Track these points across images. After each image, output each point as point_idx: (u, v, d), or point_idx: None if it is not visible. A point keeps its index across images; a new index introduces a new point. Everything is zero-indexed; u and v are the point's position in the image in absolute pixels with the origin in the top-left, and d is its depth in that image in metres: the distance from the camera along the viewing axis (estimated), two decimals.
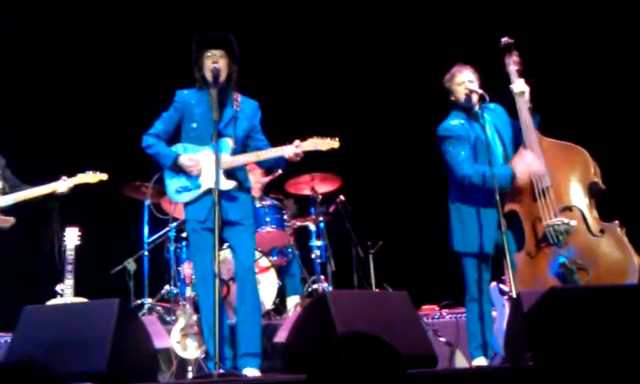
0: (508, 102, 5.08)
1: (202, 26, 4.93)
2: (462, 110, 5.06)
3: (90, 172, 5.59)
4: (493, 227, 4.85)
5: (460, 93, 5.03)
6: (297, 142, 4.77)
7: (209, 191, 4.65)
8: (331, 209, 7.35)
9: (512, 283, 4.49)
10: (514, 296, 4.34)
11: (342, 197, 7.37)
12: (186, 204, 4.80)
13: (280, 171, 7.01)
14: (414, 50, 8.26)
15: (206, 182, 4.69)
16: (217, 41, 4.80)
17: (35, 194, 5.34)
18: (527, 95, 5.00)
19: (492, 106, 5.11)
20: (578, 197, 4.79)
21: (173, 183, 4.80)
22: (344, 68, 8.51)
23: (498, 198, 4.63)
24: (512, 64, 5.11)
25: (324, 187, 7.41)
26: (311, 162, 7.03)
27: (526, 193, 4.86)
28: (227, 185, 4.71)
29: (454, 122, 5.03)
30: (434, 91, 5.23)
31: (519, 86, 5.03)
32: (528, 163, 4.80)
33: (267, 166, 5.30)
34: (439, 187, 5.27)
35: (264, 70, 7.81)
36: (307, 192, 7.37)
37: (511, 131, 5.09)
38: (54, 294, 5.84)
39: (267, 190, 7.27)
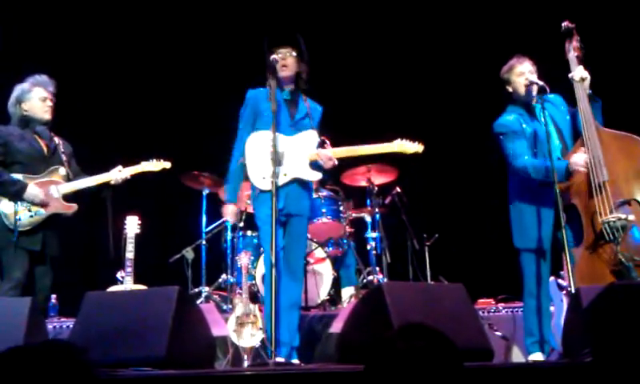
0: (567, 89, 4.96)
1: (270, 23, 4.97)
2: (520, 103, 4.98)
3: (154, 160, 5.60)
4: (550, 223, 4.79)
5: (519, 84, 4.93)
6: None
7: (293, 180, 4.79)
8: (387, 200, 7.35)
9: (571, 278, 4.42)
10: (573, 291, 4.27)
11: (398, 188, 7.36)
12: (265, 191, 4.75)
13: (336, 162, 7.02)
14: (471, 42, 8.17)
15: (291, 170, 4.78)
16: (284, 38, 4.87)
17: (91, 183, 5.38)
18: (587, 83, 4.85)
19: (551, 97, 5.00)
20: (638, 190, 4.69)
21: (258, 170, 4.81)
22: (399, 61, 8.47)
23: (557, 191, 4.55)
24: (572, 50, 4.95)
25: (380, 179, 7.41)
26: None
27: (583, 187, 4.75)
28: (313, 175, 4.87)
29: (510, 117, 4.96)
30: (492, 83, 5.16)
31: (579, 73, 4.86)
32: (584, 160, 4.69)
33: None
34: (494, 169, 5.21)
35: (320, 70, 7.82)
36: (363, 183, 7.37)
37: (570, 122, 4.99)
38: (115, 281, 5.97)
39: (323, 181, 7.30)
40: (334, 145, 4.94)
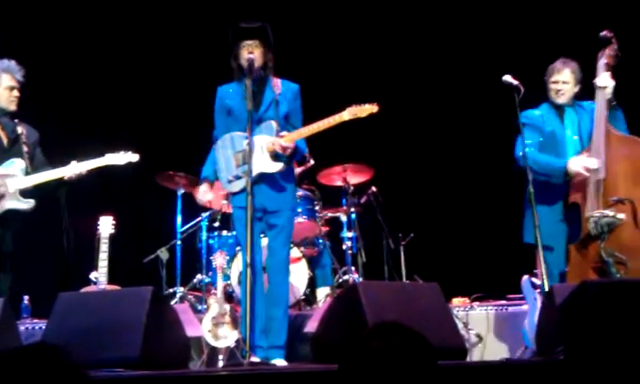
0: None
1: (239, 14, 4.90)
2: (552, 103, 5.20)
3: (121, 152, 5.30)
4: (558, 219, 4.97)
5: (549, 89, 5.21)
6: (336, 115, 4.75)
7: (260, 177, 4.67)
8: (363, 200, 7.35)
9: (544, 277, 4.46)
10: (546, 289, 4.31)
11: (373, 188, 7.36)
12: (236, 193, 4.77)
13: (312, 162, 7.02)
14: (443, 39, 8.19)
15: (257, 167, 4.65)
16: (251, 31, 4.78)
17: (46, 178, 5.04)
18: (610, 90, 4.97)
19: (586, 103, 5.19)
20: (633, 190, 4.76)
21: (224, 173, 4.81)
22: (376, 55, 8.46)
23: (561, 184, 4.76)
24: (604, 58, 5.07)
25: (356, 178, 7.40)
26: (343, 153, 7.06)
27: (584, 185, 4.88)
28: (274, 167, 4.72)
29: (537, 112, 5.20)
30: (471, 81, 5.19)
31: (602, 80, 4.99)
32: (584, 164, 4.83)
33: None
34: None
35: (301, 57, 7.78)
36: (339, 183, 7.37)
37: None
38: (88, 282, 5.91)
39: (299, 181, 7.29)
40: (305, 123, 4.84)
